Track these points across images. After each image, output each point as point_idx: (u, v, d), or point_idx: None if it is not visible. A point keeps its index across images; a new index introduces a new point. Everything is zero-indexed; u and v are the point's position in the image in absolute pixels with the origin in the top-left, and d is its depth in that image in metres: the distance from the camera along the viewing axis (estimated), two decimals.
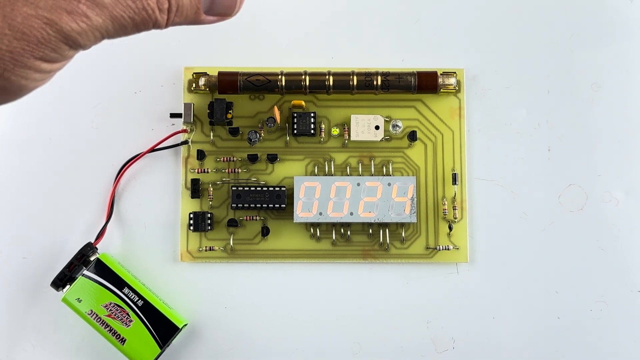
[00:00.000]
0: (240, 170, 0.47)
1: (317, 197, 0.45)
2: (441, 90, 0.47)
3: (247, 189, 0.46)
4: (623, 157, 0.47)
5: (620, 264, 0.47)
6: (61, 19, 0.27)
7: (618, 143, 0.47)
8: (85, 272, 0.44)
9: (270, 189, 0.46)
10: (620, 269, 0.47)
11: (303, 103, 0.47)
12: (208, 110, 0.46)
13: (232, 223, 0.46)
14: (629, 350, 0.46)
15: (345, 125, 0.47)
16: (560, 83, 0.48)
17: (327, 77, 0.46)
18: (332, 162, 0.47)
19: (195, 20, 0.31)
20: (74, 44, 0.28)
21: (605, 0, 0.49)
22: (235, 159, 0.47)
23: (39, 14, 0.26)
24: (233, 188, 0.46)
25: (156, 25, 0.30)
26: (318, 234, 0.46)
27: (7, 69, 0.27)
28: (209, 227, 0.46)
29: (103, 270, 0.44)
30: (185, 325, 0.46)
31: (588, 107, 0.48)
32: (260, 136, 0.47)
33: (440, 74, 0.46)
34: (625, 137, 0.48)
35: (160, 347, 0.44)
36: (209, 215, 0.46)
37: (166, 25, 0.30)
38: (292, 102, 0.47)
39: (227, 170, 0.47)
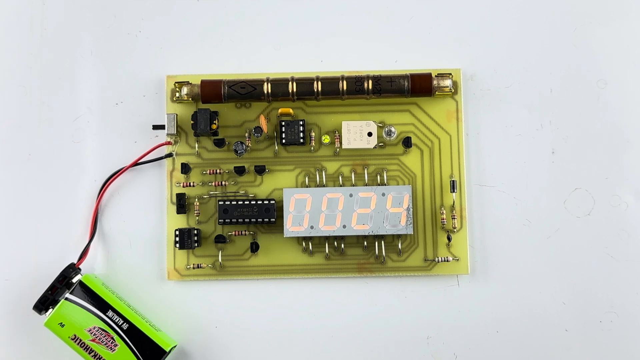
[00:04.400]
0: (227, 183, 0.45)
1: (308, 210, 0.43)
2: (436, 92, 0.44)
3: (235, 203, 0.43)
4: (632, 158, 0.45)
5: (631, 272, 0.44)
6: None
7: (626, 143, 0.45)
8: (68, 295, 0.42)
9: (259, 202, 0.43)
10: (631, 278, 0.44)
11: (291, 110, 0.45)
12: (192, 121, 0.44)
13: (220, 239, 0.44)
14: None
15: (336, 133, 0.45)
16: (564, 81, 0.45)
17: (315, 82, 0.44)
18: (324, 172, 0.45)
19: None
20: None
21: None
22: (222, 171, 0.45)
23: None
24: (220, 203, 0.43)
25: None
26: (310, 248, 0.44)
27: None
28: (196, 244, 0.44)
29: (86, 292, 0.43)
30: (174, 347, 0.44)
31: (594, 106, 0.45)
32: (247, 147, 0.45)
33: (435, 76, 0.44)
34: (634, 137, 0.45)
35: None
36: (195, 231, 0.44)
37: None
38: (279, 110, 0.44)
39: (213, 183, 0.45)
